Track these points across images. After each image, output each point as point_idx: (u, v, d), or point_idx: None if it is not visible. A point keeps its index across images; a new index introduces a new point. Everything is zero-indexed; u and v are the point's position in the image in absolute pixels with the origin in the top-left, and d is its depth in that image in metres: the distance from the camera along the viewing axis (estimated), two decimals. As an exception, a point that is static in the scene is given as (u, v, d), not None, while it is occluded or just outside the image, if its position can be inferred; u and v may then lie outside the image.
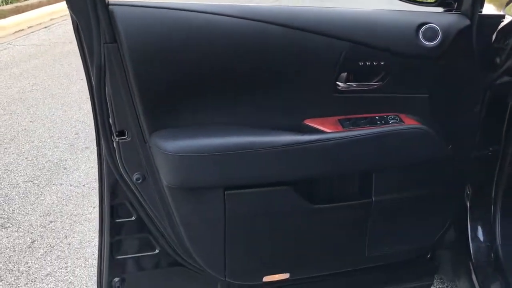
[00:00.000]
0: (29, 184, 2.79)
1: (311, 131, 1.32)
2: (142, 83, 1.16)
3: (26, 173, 2.91)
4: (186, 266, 1.46)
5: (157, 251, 1.46)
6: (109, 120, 1.25)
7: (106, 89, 1.20)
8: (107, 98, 1.21)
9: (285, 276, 1.46)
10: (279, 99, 1.30)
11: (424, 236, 1.56)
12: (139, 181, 1.30)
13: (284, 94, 1.30)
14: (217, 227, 1.32)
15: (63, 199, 2.64)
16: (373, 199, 1.41)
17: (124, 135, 1.26)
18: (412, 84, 1.34)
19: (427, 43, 1.28)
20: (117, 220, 1.41)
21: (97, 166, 1.35)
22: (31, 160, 3.07)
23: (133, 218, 1.41)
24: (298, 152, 1.26)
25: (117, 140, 1.26)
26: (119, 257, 1.44)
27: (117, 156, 1.28)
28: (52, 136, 3.42)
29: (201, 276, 1.46)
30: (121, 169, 1.30)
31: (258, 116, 1.30)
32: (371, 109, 1.37)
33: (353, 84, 1.32)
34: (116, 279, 1.46)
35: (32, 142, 3.32)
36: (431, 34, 1.28)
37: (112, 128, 1.25)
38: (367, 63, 1.28)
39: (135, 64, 1.14)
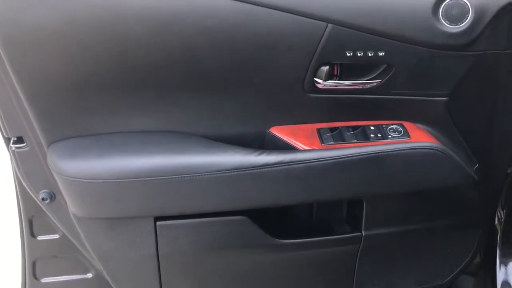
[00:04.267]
0: None
1: (276, 145, 0.96)
2: (22, 76, 0.83)
3: None
4: None
5: (90, 275, 1.18)
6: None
7: None
8: None
9: None
10: (234, 99, 0.94)
11: (434, 275, 1.19)
12: (47, 201, 0.99)
13: (241, 92, 0.93)
14: (148, 266, 1.01)
15: None
16: (363, 233, 1.05)
17: (22, 142, 0.94)
18: (424, 83, 0.94)
19: (450, 25, 0.86)
20: (38, 238, 1.13)
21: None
22: None
23: (57, 236, 1.13)
24: (255, 178, 0.91)
25: (13, 148, 0.95)
26: (44, 280, 1.18)
27: (16, 168, 0.98)
28: None
29: None
30: (23, 184, 0.99)
31: (204, 123, 0.95)
32: (364, 115, 0.98)
33: (338, 82, 0.93)
34: None
35: None
36: (457, 13, 0.86)
37: (4, 133, 0.94)
38: (359, 54, 0.88)
39: (8, 50, 0.80)
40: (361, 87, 0.94)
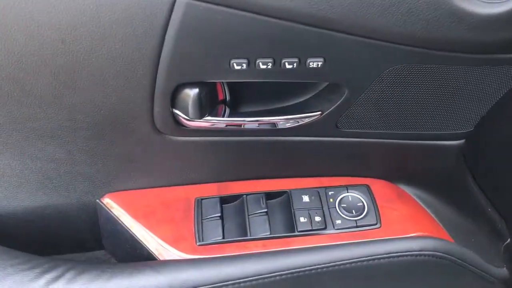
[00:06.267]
0: None
1: (112, 230, 0.48)
2: None
3: None
4: None
5: None
6: None
7: None
8: None
9: None
10: (24, 150, 0.43)
11: None
12: None
13: (40, 137, 0.43)
14: None
15: None
16: None
17: None
18: (417, 119, 0.43)
19: (480, 9, 0.34)
20: None
21: None
22: None
23: None
24: None
25: None
26: None
27: None
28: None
29: None
30: None
31: None
32: (289, 169, 0.49)
33: (229, 119, 0.42)
34: None
35: None
36: None
37: None
38: (263, 65, 0.37)
39: None
40: (279, 124, 0.43)
